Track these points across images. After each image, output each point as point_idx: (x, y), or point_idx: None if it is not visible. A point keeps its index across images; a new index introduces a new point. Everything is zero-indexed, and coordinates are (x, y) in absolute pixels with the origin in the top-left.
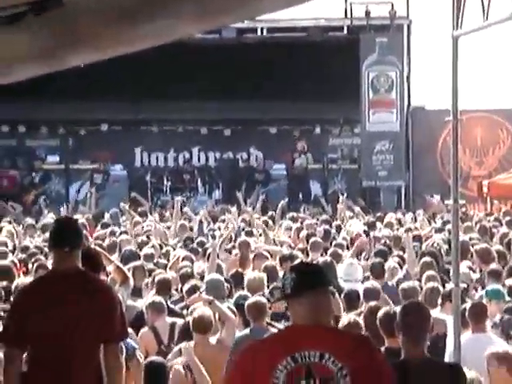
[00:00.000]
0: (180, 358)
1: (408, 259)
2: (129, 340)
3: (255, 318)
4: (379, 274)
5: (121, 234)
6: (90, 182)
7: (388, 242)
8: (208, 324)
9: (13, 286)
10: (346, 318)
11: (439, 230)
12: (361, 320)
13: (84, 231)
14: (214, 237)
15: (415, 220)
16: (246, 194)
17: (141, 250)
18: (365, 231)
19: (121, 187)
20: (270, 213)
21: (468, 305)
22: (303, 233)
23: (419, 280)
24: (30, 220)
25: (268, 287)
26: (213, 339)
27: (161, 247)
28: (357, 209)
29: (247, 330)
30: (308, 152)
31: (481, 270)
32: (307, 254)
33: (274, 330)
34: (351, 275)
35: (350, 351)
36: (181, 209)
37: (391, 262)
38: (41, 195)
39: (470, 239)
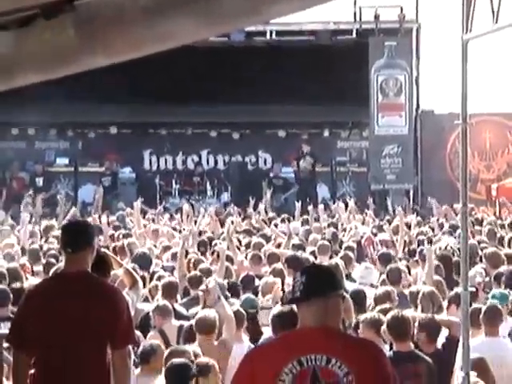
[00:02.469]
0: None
1: (427, 272)
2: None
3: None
4: (396, 280)
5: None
6: (100, 185)
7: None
8: (211, 325)
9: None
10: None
11: (447, 233)
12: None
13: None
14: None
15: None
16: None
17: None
18: (373, 234)
19: (129, 190)
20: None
21: (483, 308)
22: (312, 236)
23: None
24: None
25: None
26: (216, 341)
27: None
28: (369, 212)
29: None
30: (311, 155)
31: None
32: (315, 257)
33: None
34: (366, 278)
35: (357, 356)
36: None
37: (400, 266)
38: (50, 197)
39: (479, 243)
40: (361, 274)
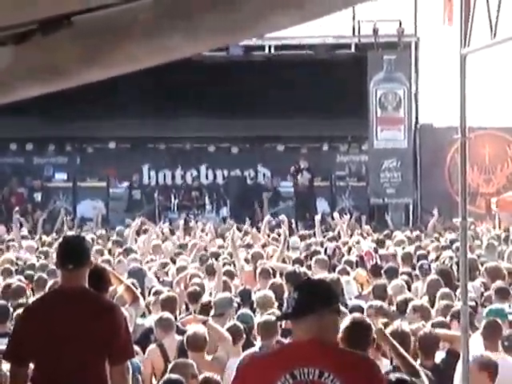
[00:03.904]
0: None
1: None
2: (135, 360)
3: (264, 336)
4: (381, 297)
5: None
6: (99, 200)
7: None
8: (202, 342)
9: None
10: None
11: (445, 248)
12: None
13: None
14: (218, 255)
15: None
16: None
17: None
18: (374, 248)
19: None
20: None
21: (483, 323)
22: (311, 250)
23: (430, 298)
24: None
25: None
26: (209, 357)
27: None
28: (366, 227)
29: (256, 348)
30: (308, 170)
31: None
32: (313, 272)
33: None
34: (349, 293)
35: (350, 369)
36: (186, 225)
37: (399, 281)
38: (48, 213)
39: (479, 257)
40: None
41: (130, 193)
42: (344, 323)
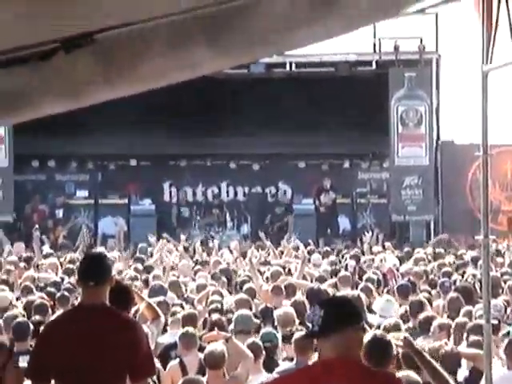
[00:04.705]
0: None
1: None
2: None
3: (300, 352)
4: (417, 313)
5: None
6: (120, 217)
7: (412, 278)
8: (220, 359)
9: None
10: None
11: (464, 265)
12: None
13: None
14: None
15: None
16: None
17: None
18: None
19: (149, 222)
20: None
21: (505, 341)
22: (333, 267)
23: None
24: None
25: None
26: (227, 375)
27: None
28: (387, 244)
29: (292, 364)
30: (332, 189)
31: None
32: (337, 289)
33: None
34: (387, 311)
35: None
36: (203, 244)
37: (421, 298)
38: (69, 229)
39: (502, 275)
40: (381, 307)
41: (121, 211)
42: (365, 339)
